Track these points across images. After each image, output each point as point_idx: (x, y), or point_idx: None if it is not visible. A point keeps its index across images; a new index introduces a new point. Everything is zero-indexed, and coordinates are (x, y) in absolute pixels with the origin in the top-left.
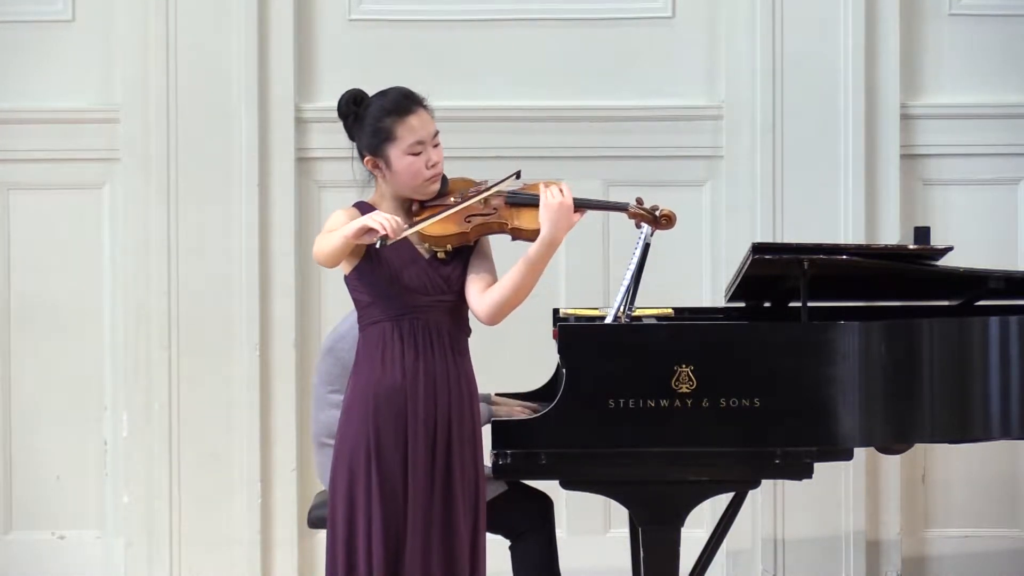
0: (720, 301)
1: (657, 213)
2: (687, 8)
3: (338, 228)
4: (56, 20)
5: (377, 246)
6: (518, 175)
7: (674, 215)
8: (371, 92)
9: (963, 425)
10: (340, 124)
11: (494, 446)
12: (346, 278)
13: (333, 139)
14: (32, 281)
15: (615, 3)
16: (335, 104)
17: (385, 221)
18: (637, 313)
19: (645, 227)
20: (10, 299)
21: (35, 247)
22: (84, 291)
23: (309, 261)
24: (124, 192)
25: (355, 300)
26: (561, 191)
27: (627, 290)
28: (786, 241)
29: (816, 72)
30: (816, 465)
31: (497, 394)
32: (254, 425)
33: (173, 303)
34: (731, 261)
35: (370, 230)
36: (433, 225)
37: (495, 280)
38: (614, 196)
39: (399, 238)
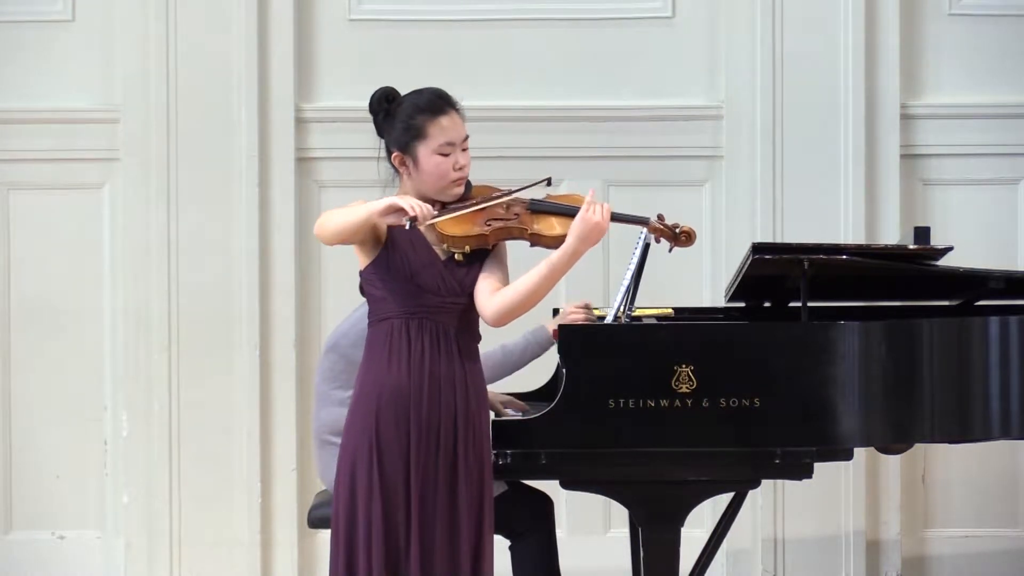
0: (720, 301)
1: (677, 230)
2: (687, 8)
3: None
4: (56, 20)
5: (407, 227)
6: (548, 182)
7: (694, 232)
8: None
9: (963, 425)
10: (340, 124)
11: (494, 446)
12: (361, 272)
13: (333, 139)
14: (32, 281)
15: (615, 3)
16: (335, 104)
17: (417, 205)
18: (637, 313)
19: (646, 227)
20: (10, 299)
21: (35, 247)
22: (84, 291)
23: (309, 261)
24: (124, 192)
25: (368, 295)
26: (602, 210)
27: (627, 290)
28: (786, 241)
29: (816, 72)
30: (816, 465)
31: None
32: (254, 425)
33: (173, 303)
34: (731, 261)
35: (399, 210)
36: (453, 225)
37: (506, 285)
38: (614, 196)
39: (427, 224)
